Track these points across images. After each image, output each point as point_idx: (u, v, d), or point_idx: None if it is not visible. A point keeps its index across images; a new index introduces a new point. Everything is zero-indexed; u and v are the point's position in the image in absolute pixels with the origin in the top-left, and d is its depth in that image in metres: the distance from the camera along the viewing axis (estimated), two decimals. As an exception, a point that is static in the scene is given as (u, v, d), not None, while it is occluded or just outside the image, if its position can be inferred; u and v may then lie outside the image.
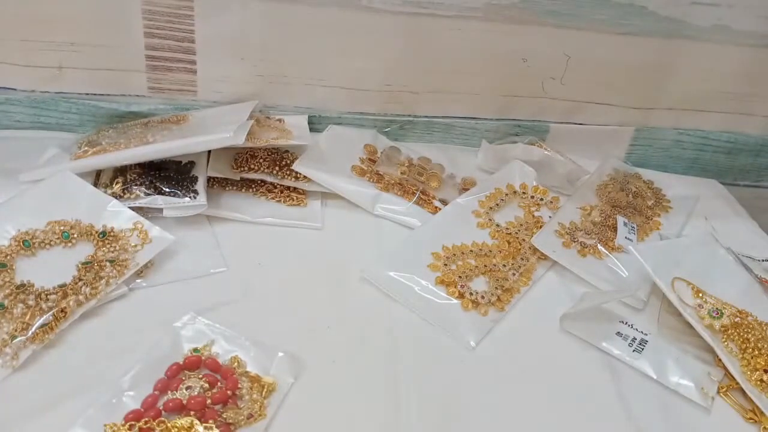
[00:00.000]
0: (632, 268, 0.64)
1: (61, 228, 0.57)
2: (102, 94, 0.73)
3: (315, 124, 0.78)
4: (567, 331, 0.57)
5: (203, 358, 0.49)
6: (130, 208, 0.60)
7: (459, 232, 0.66)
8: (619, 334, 0.57)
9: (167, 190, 0.62)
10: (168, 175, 0.64)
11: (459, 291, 0.59)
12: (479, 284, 0.61)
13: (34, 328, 0.48)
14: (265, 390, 0.47)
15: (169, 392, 0.46)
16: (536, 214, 0.72)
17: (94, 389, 0.46)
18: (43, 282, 0.52)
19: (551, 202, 0.74)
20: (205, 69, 0.73)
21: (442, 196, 0.72)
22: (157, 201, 0.62)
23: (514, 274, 0.62)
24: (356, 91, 0.77)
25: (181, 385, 0.46)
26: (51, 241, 0.56)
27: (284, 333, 0.53)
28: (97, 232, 0.58)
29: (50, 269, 0.54)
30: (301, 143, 0.71)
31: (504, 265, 0.63)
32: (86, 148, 0.65)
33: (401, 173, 0.73)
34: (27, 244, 0.55)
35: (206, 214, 0.63)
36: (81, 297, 0.51)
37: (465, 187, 0.75)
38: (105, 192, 0.61)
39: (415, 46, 0.75)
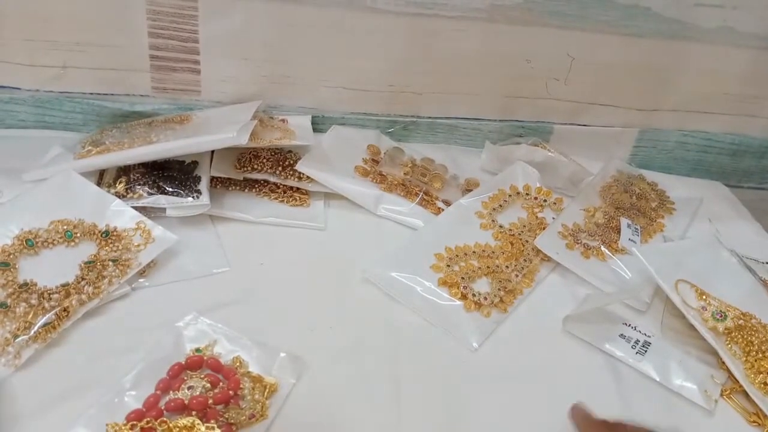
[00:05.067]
0: (635, 269, 0.64)
1: (65, 227, 0.57)
2: (106, 94, 0.73)
3: (318, 125, 0.78)
4: (570, 332, 0.57)
5: (205, 358, 0.49)
6: (133, 207, 0.60)
7: (462, 233, 0.66)
8: (622, 336, 0.57)
9: (170, 189, 0.62)
10: (171, 174, 0.64)
11: (462, 292, 0.59)
12: (482, 285, 0.61)
13: (36, 327, 0.48)
14: (266, 390, 0.47)
15: (171, 392, 0.46)
16: (539, 215, 0.72)
17: (96, 388, 0.46)
18: (46, 281, 0.52)
19: (554, 203, 0.74)
20: (208, 69, 0.73)
21: (445, 197, 0.72)
22: (160, 201, 0.62)
23: (516, 276, 0.62)
24: (360, 92, 0.78)
25: (183, 385, 0.46)
26: (54, 240, 0.56)
27: (286, 333, 0.53)
28: (100, 231, 0.58)
29: (53, 268, 0.54)
30: (304, 143, 0.72)
31: (507, 267, 0.63)
32: (90, 147, 0.65)
33: (404, 174, 0.73)
34: (30, 243, 0.55)
35: (209, 214, 0.64)
36: (83, 296, 0.51)
37: (468, 188, 0.75)
38: (108, 191, 0.61)
39: (418, 47, 0.75)
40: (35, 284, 0.52)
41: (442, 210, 0.70)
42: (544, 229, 0.68)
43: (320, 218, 0.67)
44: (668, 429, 0.48)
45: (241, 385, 0.47)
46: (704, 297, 0.60)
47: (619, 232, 0.69)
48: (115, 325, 0.52)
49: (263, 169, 0.69)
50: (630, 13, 0.74)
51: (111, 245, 0.56)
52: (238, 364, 0.49)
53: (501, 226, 0.68)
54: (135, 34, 0.69)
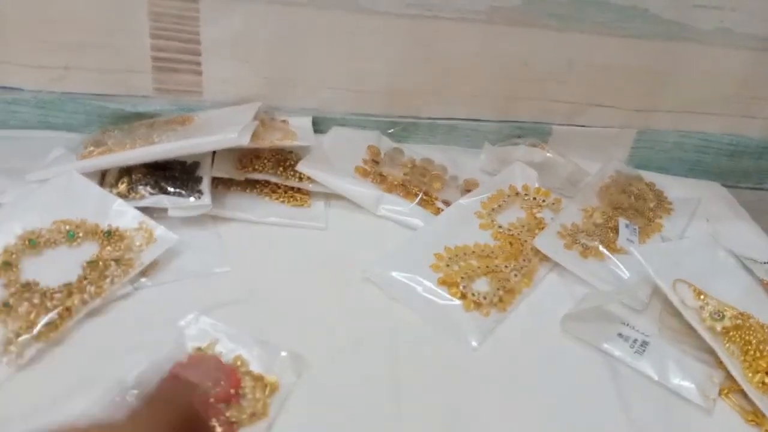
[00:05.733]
0: (634, 269, 0.64)
1: (67, 227, 0.58)
2: (108, 95, 0.73)
3: (319, 126, 0.78)
4: (568, 332, 0.58)
5: (207, 356, 0.49)
6: (135, 207, 0.60)
7: (461, 233, 0.66)
8: (620, 335, 0.58)
9: (172, 190, 0.63)
10: (173, 175, 0.65)
11: (461, 291, 0.59)
12: (481, 285, 0.61)
13: (39, 327, 0.49)
14: (267, 389, 0.47)
15: (173, 390, 0.46)
16: (538, 215, 0.72)
17: (99, 387, 0.46)
18: (49, 281, 0.53)
19: (553, 203, 0.74)
20: (210, 70, 0.73)
21: (444, 198, 0.73)
22: (162, 201, 0.62)
23: (515, 275, 0.63)
24: (360, 93, 0.78)
25: (184, 384, 0.47)
26: (56, 240, 0.57)
27: (287, 332, 0.53)
28: (102, 231, 0.58)
29: (56, 268, 0.54)
30: (305, 144, 0.72)
31: (506, 266, 0.63)
32: (92, 148, 0.66)
33: (404, 174, 0.73)
34: (33, 243, 0.56)
35: (211, 214, 0.64)
36: (86, 296, 0.52)
37: (467, 188, 0.75)
38: (110, 192, 0.62)
39: (418, 49, 0.75)
40: (38, 284, 0.52)
41: (442, 210, 0.70)
42: (542, 229, 0.69)
43: (321, 218, 0.67)
44: None
45: (243, 384, 0.47)
46: (702, 296, 0.60)
47: (617, 232, 0.69)
48: (117, 324, 0.52)
49: (264, 170, 0.69)
50: (628, 15, 0.75)
51: (113, 245, 0.57)
52: (239, 362, 0.49)
53: (500, 226, 0.69)
54: (137, 35, 0.70)
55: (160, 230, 0.59)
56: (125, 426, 0.26)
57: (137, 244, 0.57)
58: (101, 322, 0.52)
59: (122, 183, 0.63)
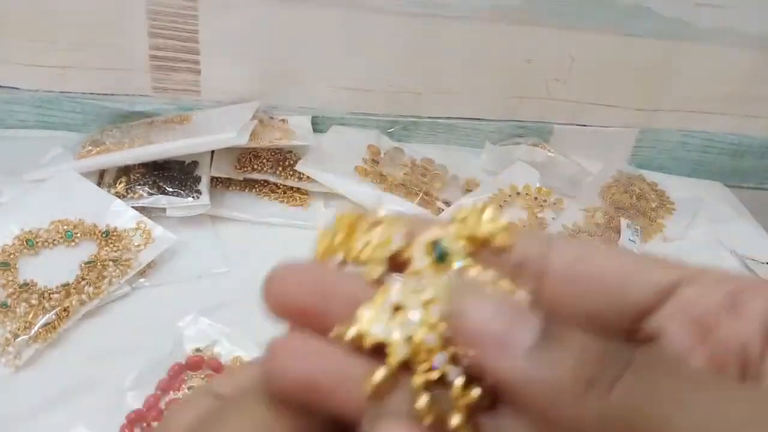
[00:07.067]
0: (636, 270, 0.63)
1: (65, 227, 0.57)
2: (106, 94, 0.73)
3: (318, 125, 0.78)
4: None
5: (205, 358, 0.49)
6: (133, 207, 0.60)
7: (462, 234, 0.66)
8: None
9: (170, 189, 0.62)
10: (171, 174, 0.64)
11: (462, 292, 0.59)
12: (482, 286, 0.60)
13: (36, 327, 0.48)
14: (267, 390, 0.47)
15: (171, 392, 0.46)
16: (539, 215, 0.71)
17: (97, 388, 0.46)
18: (46, 281, 0.52)
19: (555, 203, 0.74)
20: (208, 69, 0.73)
21: (445, 197, 0.72)
22: (161, 201, 0.62)
23: (517, 276, 0.62)
24: (359, 92, 0.77)
25: (183, 386, 0.46)
26: (54, 240, 0.56)
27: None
28: (100, 231, 0.58)
29: (53, 268, 0.54)
30: (304, 144, 0.71)
31: (507, 267, 0.63)
32: (90, 147, 0.65)
33: (404, 174, 0.73)
34: (30, 243, 0.55)
35: (209, 214, 0.63)
36: (84, 296, 0.51)
37: (468, 188, 0.75)
38: (108, 192, 0.61)
39: (419, 47, 0.74)
40: (35, 284, 0.52)
41: (443, 210, 0.70)
42: (544, 229, 0.68)
43: (321, 218, 0.67)
44: None
45: (241, 385, 0.47)
46: (704, 297, 0.59)
47: (619, 233, 0.69)
48: (115, 325, 0.52)
49: (263, 169, 0.69)
50: (630, 13, 0.74)
51: (111, 245, 0.56)
52: (238, 364, 0.49)
53: (501, 227, 0.68)
54: (135, 34, 0.69)
55: (158, 230, 0.58)
56: None
57: (135, 244, 0.57)
58: (99, 323, 0.52)
59: (120, 183, 0.63)
